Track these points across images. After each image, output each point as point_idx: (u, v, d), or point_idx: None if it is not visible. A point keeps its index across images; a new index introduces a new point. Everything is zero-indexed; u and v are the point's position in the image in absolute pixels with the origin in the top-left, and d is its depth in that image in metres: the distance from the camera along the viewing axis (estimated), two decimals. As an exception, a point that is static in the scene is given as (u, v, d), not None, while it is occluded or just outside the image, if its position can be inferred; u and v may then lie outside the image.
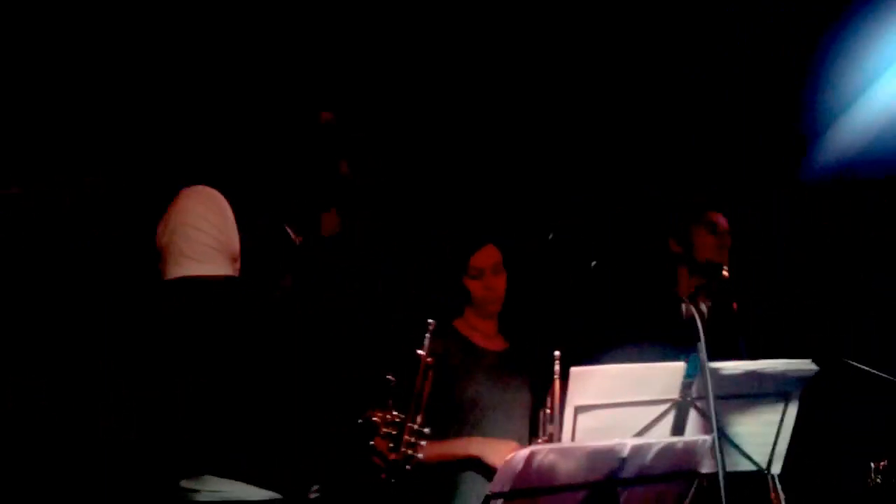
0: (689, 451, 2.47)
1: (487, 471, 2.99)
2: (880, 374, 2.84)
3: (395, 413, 2.42)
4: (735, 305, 3.14)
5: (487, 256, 3.29)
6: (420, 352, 2.54)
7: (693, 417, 2.70)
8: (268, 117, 2.50)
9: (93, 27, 3.40)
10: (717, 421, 2.54)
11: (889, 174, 4.29)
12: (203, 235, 2.30)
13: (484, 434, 3.13)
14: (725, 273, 2.87)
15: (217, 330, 2.27)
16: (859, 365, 2.83)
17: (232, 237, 2.33)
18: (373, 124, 3.25)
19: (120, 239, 3.14)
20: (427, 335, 2.55)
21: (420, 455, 2.41)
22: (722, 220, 3.48)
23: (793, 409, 2.73)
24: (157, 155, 3.36)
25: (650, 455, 2.39)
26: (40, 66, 3.43)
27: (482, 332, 3.33)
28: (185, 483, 2.33)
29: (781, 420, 2.73)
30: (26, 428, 2.97)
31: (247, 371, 2.29)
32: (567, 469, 2.30)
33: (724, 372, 2.64)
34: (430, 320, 2.53)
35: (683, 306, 2.95)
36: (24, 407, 2.98)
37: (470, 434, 3.15)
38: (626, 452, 2.34)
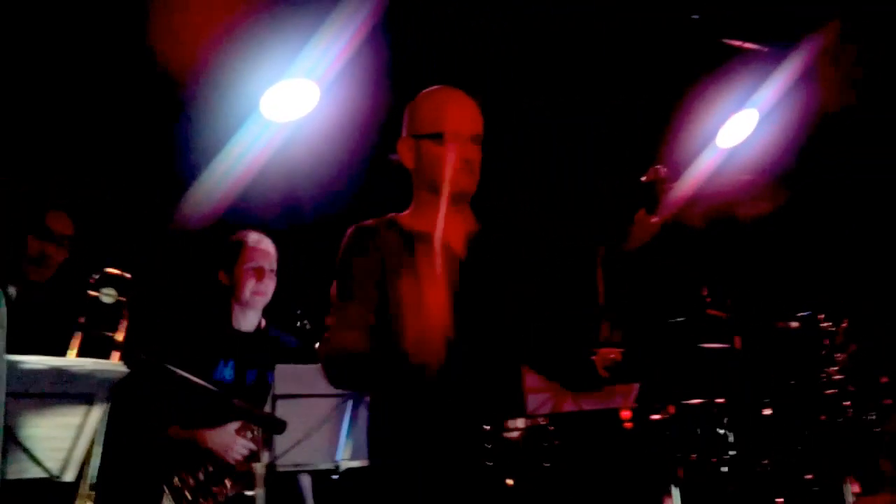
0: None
1: None
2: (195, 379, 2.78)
3: None
4: None
5: None
6: None
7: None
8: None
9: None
10: (8, 421, 2.27)
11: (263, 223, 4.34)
12: None
13: None
14: None
15: None
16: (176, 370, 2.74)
17: None
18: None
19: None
20: None
21: None
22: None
23: (97, 413, 2.54)
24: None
25: None
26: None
27: None
28: None
29: (83, 424, 2.52)
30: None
31: None
32: None
33: (25, 367, 2.38)
34: None
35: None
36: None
37: None
38: None
